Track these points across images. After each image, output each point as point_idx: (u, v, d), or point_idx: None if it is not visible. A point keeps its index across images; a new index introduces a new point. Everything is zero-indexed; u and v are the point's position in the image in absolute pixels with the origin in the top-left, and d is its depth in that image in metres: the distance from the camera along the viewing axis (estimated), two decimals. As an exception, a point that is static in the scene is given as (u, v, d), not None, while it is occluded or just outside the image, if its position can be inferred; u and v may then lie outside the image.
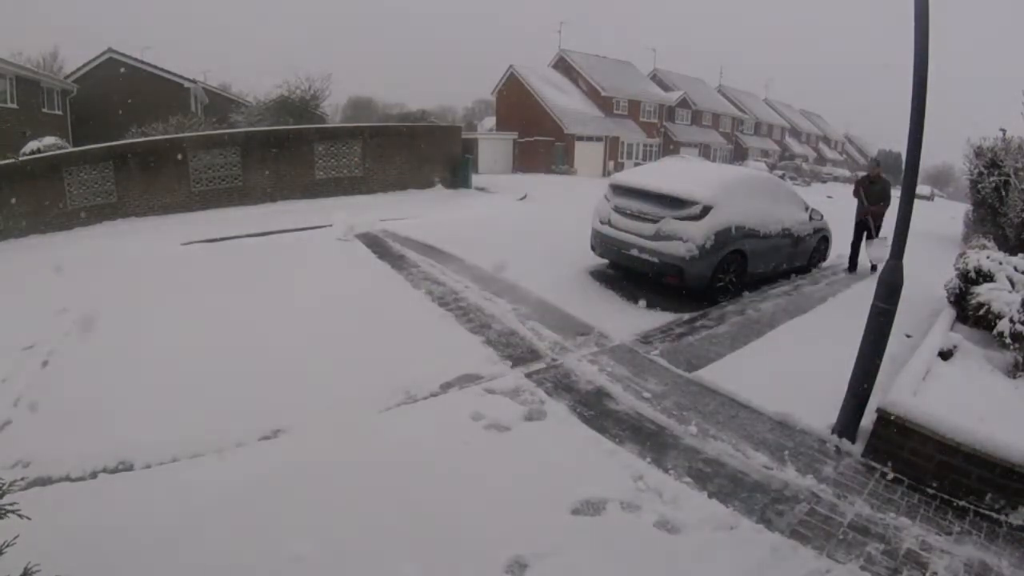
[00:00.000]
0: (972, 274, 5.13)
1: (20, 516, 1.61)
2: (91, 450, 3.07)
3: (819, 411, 3.58)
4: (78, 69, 22.02)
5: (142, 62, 22.06)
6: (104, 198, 11.98)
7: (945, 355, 3.96)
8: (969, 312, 4.91)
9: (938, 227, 14.09)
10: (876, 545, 2.51)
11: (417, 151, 15.76)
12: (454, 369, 4.12)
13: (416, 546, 2.41)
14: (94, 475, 2.93)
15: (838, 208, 11.64)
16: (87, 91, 20.61)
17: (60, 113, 19.77)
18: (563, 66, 33.91)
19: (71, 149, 12.64)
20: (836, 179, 42.96)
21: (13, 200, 10.87)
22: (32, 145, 12.74)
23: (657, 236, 5.92)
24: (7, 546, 1.61)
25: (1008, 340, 3.97)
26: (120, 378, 4.03)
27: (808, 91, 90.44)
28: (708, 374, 4.23)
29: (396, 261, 7.35)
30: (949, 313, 5.05)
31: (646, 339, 4.95)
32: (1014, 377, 3.75)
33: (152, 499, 2.71)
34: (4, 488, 1.64)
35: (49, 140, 13.28)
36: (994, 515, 2.77)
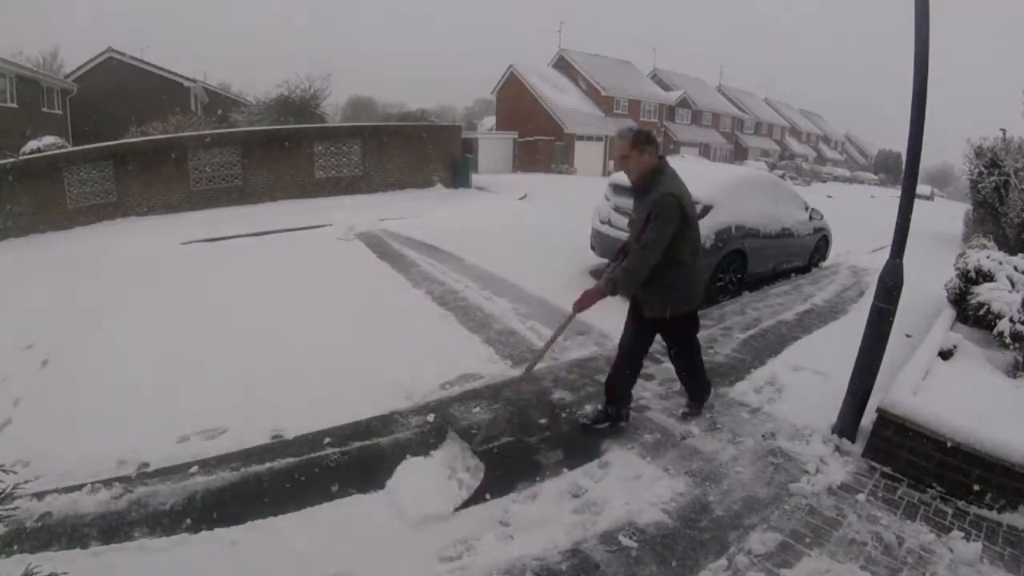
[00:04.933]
0: (972, 274, 5.12)
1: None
2: (91, 449, 3.07)
3: (820, 409, 3.59)
4: (78, 68, 22.02)
5: (142, 61, 22.08)
6: (104, 197, 11.98)
7: (945, 355, 3.95)
8: (969, 312, 4.90)
9: (938, 227, 14.10)
10: (876, 545, 2.51)
11: (417, 151, 15.77)
12: (454, 369, 4.12)
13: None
14: (94, 474, 2.93)
15: (838, 208, 11.67)
16: (87, 90, 20.61)
17: (60, 112, 19.76)
18: (563, 65, 33.91)
19: (71, 148, 12.64)
20: (836, 179, 42.98)
21: (13, 200, 10.87)
22: (32, 144, 12.72)
23: (657, 236, 5.91)
24: (5, 545, 1.61)
25: (1008, 340, 3.96)
26: (120, 377, 4.03)
27: (808, 91, 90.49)
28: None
29: (396, 260, 7.35)
30: (949, 313, 5.04)
31: (646, 339, 4.95)
32: (1014, 377, 3.74)
33: (153, 498, 2.71)
34: (5, 492, 1.63)
35: (49, 139, 13.27)
36: (994, 515, 2.77)
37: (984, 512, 2.79)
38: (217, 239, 9.19)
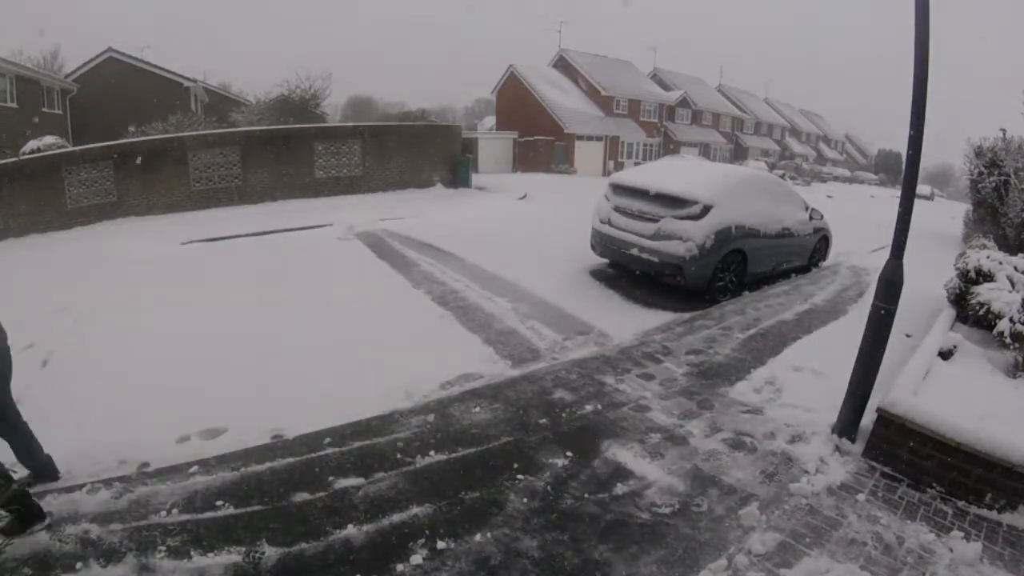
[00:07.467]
0: (972, 274, 5.12)
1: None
2: (91, 449, 3.07)
3: (820, 410, 3.58)
4: (78, 68, 21.99)
5: (142, 61, 22.05)
6: (104, 197, 11.96)
7: (945, 355, 3.96)
8: (969, 312, 4.91)
9: (938, 227, 14.09)
10: (876, 545, 2.51)
11: (417, 151, 15.75)
12: (454, 368, 4.12)
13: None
14: (94, 474, 2.93)
15: (838, 208, 11.65)
16: (87, 90, 20.59)
17: (60, 112, 19.75)
18: (563, 65, 33.88)
19: (71, 148, 12.61)
20: (836, 179, 42.97)
21: (12, 199, 10.85)
22: (32, 144, 12.70)
23: (657, 236, 5.92)
24: (6, 545, 1.61)
25: (1008, 340, 3.97)
26: (120, 378, 4.03)
27: (808, 91, 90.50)
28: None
29: (396, 260, 7.35)
30: (949, 313, 5.04)
31: (647, 338, 4.95)
32: (1014, 377, 3.75)
33: (154, 499, 2.71)
34: (6, 492, 1.64)
35: (49, 139, 13.24)
36: (994, 515, 2.77)
37: (984, 512, 2.79)
38: (217, 239, 9.18)
